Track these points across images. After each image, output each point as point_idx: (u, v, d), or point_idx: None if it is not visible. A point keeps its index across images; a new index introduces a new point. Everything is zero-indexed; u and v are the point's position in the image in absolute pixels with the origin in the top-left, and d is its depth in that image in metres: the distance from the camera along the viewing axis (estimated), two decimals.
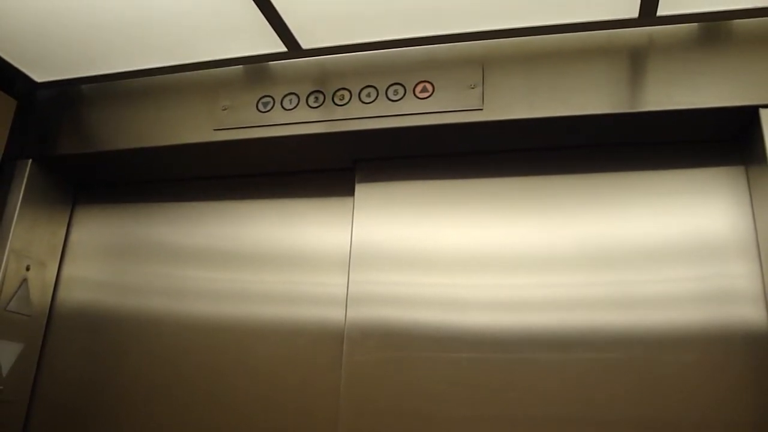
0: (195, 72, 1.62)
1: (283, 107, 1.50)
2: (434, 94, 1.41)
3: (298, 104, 1.49)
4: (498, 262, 1.41)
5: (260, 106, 1.52)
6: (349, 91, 1.47)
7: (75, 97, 1.72)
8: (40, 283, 1.70)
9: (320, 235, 1.60)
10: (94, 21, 1.43)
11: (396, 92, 1.44)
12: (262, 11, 1.35)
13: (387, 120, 1.42)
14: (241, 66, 1.59)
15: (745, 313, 1.25)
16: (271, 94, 1.53)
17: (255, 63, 1.57)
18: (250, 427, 1.48)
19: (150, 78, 1.65)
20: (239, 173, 1.72)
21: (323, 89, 1.49)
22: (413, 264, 1.46)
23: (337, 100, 1.47)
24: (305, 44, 1.48)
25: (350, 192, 1.58)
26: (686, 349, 1.25)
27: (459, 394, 1.33)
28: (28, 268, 1.65)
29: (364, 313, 1.44)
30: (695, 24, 1.32)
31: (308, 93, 1.50)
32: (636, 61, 1.33)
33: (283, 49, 1.49)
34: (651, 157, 1.40)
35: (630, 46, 1.34)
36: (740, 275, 1.27)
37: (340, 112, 1.46)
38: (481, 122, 1.37)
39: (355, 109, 1.45)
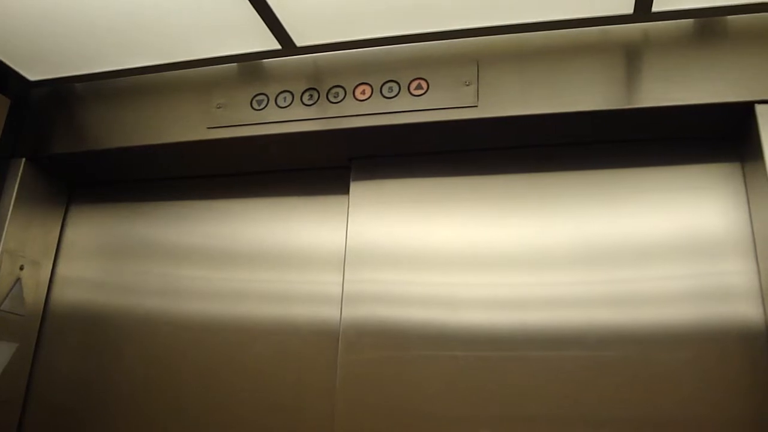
0: (189, 70, 1.61)
1: (277, 105, 1.49)
2: (429, 91, 1.40)
3: (292, 102, 1.49)
4: (493, 259, 1.40)
5: (254, 104, 1.51)
6: (344, 89, 1.46)
7: (69, 95, 1.72)
8: (34, 282, 1.69)
9: (315, 233, 1.59)
10: (88, 19, 1.42)
11: (391, 89, 1.43)
12: (255, 9, 1.35)
13: (382, 117, 1.42)
14: (235, 64, 1.58)
15: (741, 310, 1.24)
16: (265, 92, 1.52)
17: (249, 61, 1.57)
18: (245, 426, 1.48)
19: (144, 76, 1.65)
20: (234, 171, 1.71)
21: (317, 87, 1.49)
22: (409, 262, 1.45)
23: (331, 98, 1.46)
24: (299, 42, 1.47)
25: (345, 190, 1.57)
26: (682, 347, 1.25)
27: (454, 392, 1.32)
28: (22, 268, 1.64)
29: (359, 312, 1.44)
30: (690, 20, 1.32)
31: (302, 91, 1.49)
32: (631, 58, 1.33)
33: (277, 46, 1.49)
34: (646, 153, 1.40)
35: (625, 43, 1.34)
36: (736, 272, 1.27)
37: (334, 110, 1.45)
38: (476, 119, 1.36)
39: (350, 106, 1.44)
